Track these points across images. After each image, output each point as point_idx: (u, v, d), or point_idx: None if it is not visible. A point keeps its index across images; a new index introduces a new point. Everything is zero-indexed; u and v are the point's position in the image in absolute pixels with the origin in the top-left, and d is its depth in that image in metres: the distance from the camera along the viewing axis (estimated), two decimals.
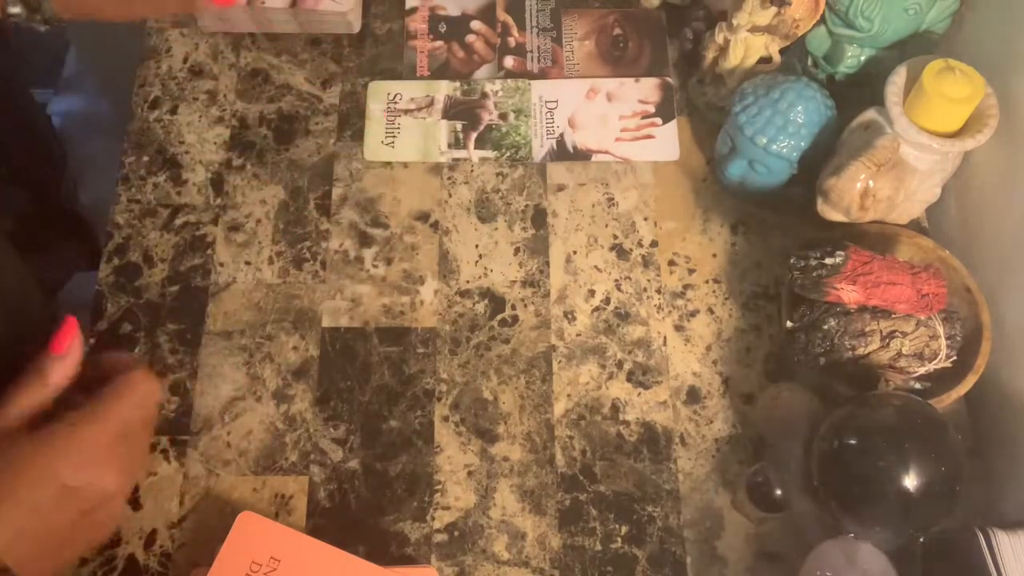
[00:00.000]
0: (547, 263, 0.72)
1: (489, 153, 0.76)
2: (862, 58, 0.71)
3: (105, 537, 0.51)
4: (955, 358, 0.63)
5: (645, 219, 0.74)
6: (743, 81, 0.71)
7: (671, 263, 0.72)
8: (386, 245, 0.73)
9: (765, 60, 0.73)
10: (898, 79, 0.64)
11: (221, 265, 0.72)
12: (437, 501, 0.64)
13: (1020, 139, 0.64)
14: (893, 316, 0.63)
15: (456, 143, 0.77)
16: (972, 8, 0.70)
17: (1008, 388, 0.65)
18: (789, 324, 0.64)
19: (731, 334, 0.70)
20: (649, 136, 0.77)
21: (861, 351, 0.62)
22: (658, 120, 0.78)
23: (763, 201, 0.73)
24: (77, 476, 0.44)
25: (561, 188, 0.75)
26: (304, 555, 0.58)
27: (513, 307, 0.71)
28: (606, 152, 0.76)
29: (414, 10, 0.83)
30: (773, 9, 0.69)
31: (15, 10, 0.54)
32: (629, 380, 0.68)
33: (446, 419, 0.67)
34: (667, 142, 0.77)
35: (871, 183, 0.63)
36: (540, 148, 0.76)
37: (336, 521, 0.63)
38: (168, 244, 0.72)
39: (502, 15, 0.82)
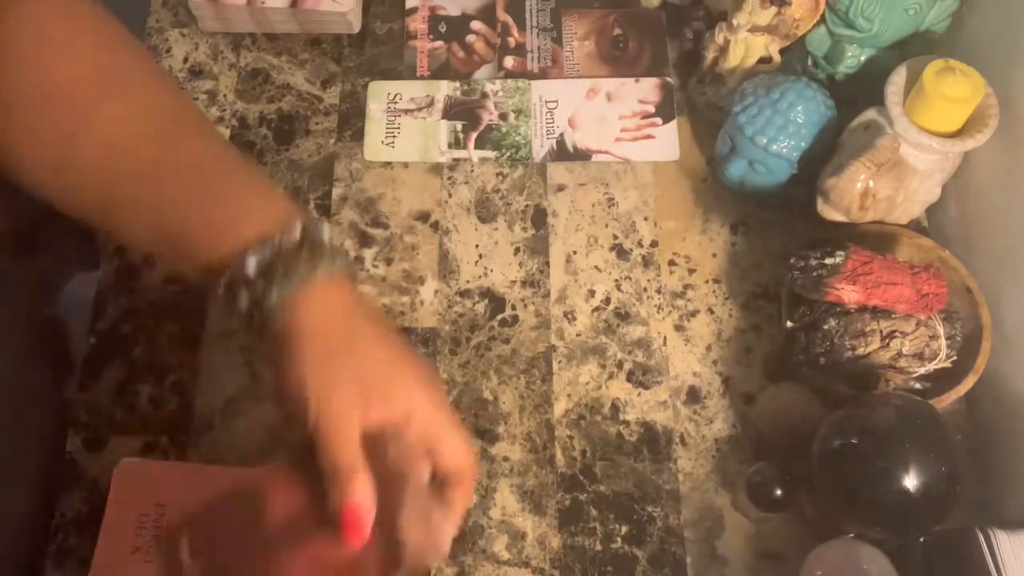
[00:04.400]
0: (547, 263, 0.72)
1: (489, 153, 0.76)
2: (862, 58, 0.71)
3: None
4: (955, 358, 0.63)
5: (645, 219, 0.74)
6: (743, 81, 0.71)
7: (671, 263, 0.72)
8: (386, 245, 0.73)
9: (765, 60, 0.73)
10: (898, 79, 0.64)
11: None
12: None
13: (1020, 139, 0.64)
14: (893, 316, 0.63)
15: (456, 143, 0.77)
16: (972, 8, 0.70)
17: (1008, 388, 0.65)
18: (789, 324, 0.64)
19: (731, 334, 0.70)
20: (649, 136, 0.77)
21: (861, 351, 0.62)
22: (658, 120, 0.78)
23: (763, 201, 0.73)
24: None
25: (561, 188, 0.75)
26: (186, 489, 0.55)
27: (513, 307, 0.71)
28: (606, 152, 0.76)
29: (414, 10, 0.83)
30: (773, 9, 0.69)
31: None
32: (629, 380, 0.68)
33: None
34: (667, 142, 0.77)
35: (871, 183, 0.63)
36: (540, 148, 0.76)
37: None
38: None
39: (502, 15, 0.83)
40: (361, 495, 0.45)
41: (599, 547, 0.63)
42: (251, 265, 0.46)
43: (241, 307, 0.47)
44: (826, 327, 0.62)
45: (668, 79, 0.79)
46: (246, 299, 0.46)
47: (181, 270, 0.51)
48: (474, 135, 0.77)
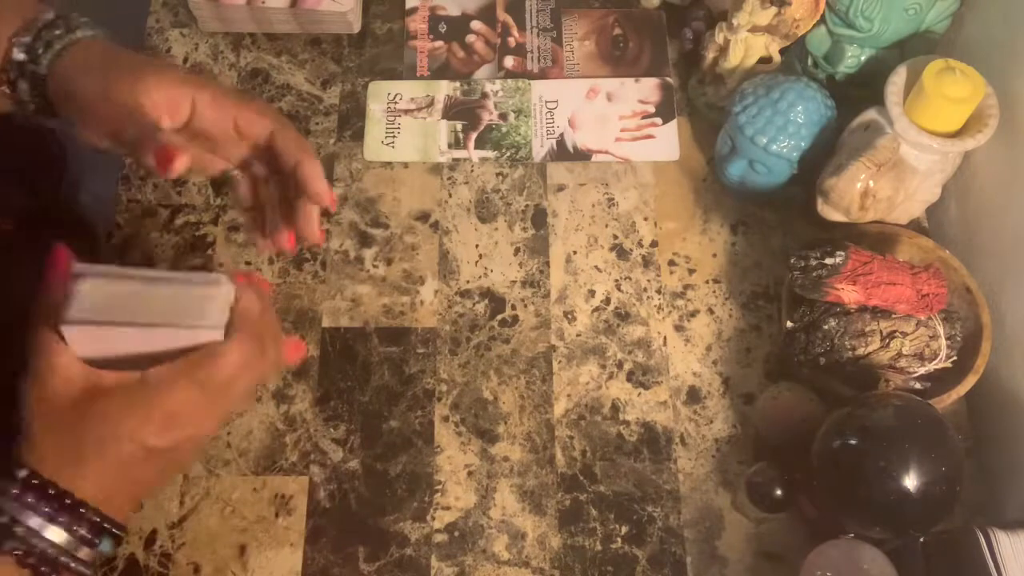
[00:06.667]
0: (547, 263, 0.72)
1: (489, 153, 0.76)
2: (862, 58, 0.72)
3: (188, 468, 0.62)
4: (955, 358, 0.63)
5: (645, 219, 0.74)
6: (743, 81, 0.71)
7: (671, 263, 0.72)
8: (386, 245, 0.73)
9: (765, 60, 0.73)
10: (898, 79, 0.64)
11: (221, 265, 0.72)
12: (437, 501, 0.64)
13: (1020, 139, 0.64)
14: (893, 316, 0.63)
15: (456, 143, 0.77)
16: (972, 8, 0.70)
17: (1008, 388, 0.65)
18: (789, 324, 0.64)
19: (731, 334, 0.70)
20: (649, 136, 0.77)
21: (861, 351, 0.62)
22: (658, 120, 0.78)
23: (763, 201, 0.73)
24: (162, 438, 0.44)
25: (561, 188, 0.75)
26: None
27: (513, 307, 0.71)
28: (606, 152, 0.76)
29: (414, 10, 0.83)
30: (773, 9, 0.69)
31: None
32: (629, 380, 0.68)
33: (446, 419, 0.67)
34: (667, 142, 0.77)
35: (871, 183, 0.63)
36: (540, 148, 0.76)
37: (336, 521, 0.63)
38: (168, 244, 0.72)
39: (502, 15, 0.82)
40: (166, 138, 0.47)
41: (599, 547, 0.63)
42: (18, 54, 0.51)
43: (25, 94, 0.51)
44: (826, 327, 0.62)
45: (668, 79, 0.79)
46: (26, 86, 0.51)
47: None
48: (474, 135, 0.77)
